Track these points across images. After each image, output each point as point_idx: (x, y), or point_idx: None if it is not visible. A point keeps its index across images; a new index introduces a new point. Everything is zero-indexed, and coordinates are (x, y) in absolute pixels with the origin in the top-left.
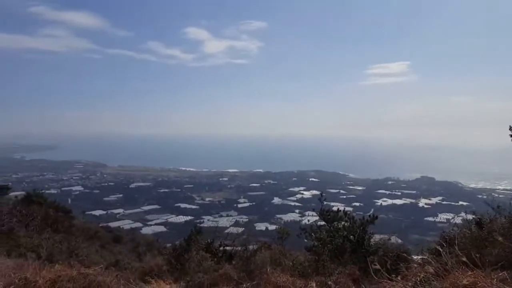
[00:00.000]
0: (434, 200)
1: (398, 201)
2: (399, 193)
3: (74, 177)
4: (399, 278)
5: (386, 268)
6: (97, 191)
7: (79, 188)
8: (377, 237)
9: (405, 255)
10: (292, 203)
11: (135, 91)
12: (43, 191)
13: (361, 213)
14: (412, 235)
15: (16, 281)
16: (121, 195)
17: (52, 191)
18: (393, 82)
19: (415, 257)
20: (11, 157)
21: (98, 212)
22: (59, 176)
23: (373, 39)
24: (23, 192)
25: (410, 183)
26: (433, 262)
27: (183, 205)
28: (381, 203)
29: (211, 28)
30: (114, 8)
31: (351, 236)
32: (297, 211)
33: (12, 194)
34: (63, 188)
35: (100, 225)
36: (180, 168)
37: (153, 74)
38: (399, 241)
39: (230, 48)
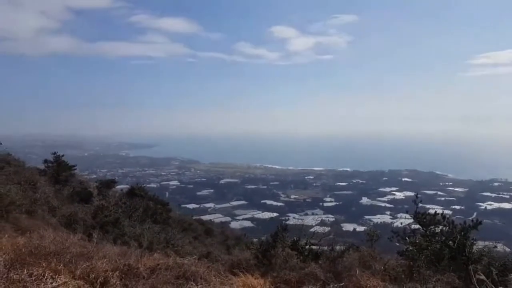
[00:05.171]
0: None
1: (506, 205)
2: (507, 196)
3: (171, 173)
4: None
5: (492, 278)
6: (191, 186)
7: (176, 183)
8: (480, 244)
9: None
10: (382, 204)
11: (225, 91)
12: (144, 185)
13: (462, 217)
14: None
15: (121, 266)
16: (212, 190)
17: (152, 185)
18: (500, 73)
19: None
20: (118, 154)
21: (191, 206)
22: (158, 171)
23: (477, 25)
24: (127, 186)
25: None
26: None
27: (269, 202)
28: (485, 207)
29: (297, 24)
30: (207, 12)
31: (450, 242)
32: (387, 212)
33: (118, 187)
34: (162, 183)
35: (194, 218)
36: (266, 165)
37: (241, 74)
38: (507, 249)
39: (316, 44)
